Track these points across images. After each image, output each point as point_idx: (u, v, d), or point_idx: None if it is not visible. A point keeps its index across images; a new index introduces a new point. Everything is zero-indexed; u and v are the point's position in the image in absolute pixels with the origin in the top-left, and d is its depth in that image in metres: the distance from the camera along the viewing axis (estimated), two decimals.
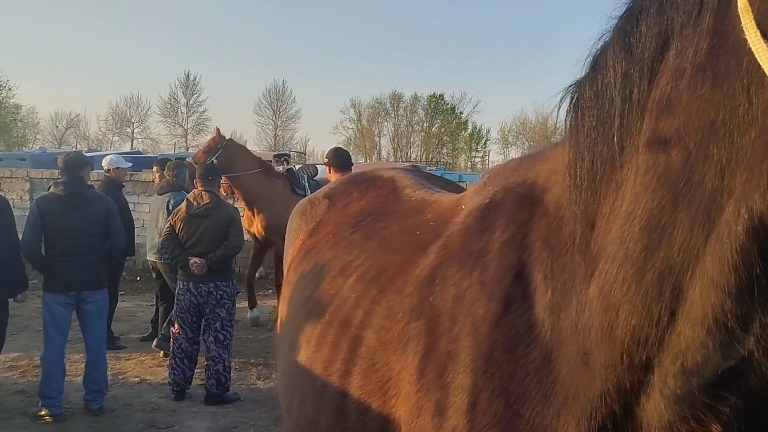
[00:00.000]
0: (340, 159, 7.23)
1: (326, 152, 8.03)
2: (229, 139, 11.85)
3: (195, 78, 71.99)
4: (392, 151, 74.24)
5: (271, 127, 74.04)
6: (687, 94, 1.29)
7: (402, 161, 59.93)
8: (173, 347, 7.69)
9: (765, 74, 1.11)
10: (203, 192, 7.96)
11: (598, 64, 1.54)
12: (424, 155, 71.84)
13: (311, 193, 10.23)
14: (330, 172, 7.21)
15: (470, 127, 75.54)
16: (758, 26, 1.13)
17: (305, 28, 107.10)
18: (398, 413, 1.90)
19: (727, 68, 1.21)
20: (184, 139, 70.26)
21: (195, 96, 71.85)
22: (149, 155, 39.53)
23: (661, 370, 1.35)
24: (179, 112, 71.69)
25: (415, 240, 2.24)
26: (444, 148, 75.21)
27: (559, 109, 1.65)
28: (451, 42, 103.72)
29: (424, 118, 75.38)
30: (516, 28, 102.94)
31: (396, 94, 74.22)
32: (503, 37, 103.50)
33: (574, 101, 1.60)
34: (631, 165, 1.41)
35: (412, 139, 75.69)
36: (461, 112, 75.20)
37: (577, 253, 1.56)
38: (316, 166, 13.59)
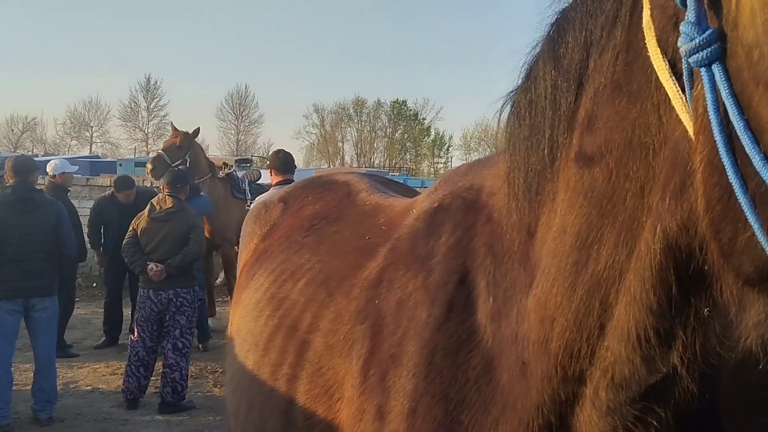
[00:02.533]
0: (281, 161, 7.18)
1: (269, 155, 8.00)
2: (196, 130, 11.78)
3: (156, 82, 71.11)
4: (355, 156, 74.31)
5: (233, 131, 73.48)
6: (606, 110, 1.29)
7: (365, 167, 60.04)
8: (129, 354, 7.54)
9: (668, 94, 1.11)
10: (167, 197, 7.84)
11: (531, 72, 1.54)
12: (387, 161, 72.11)
13: (251, 196, 10.31)
14: (272, 175, 7.16)
15: (433, 133, 76.07)
16: (659, 44, 1.13)
17: (268, 33, 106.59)
18: (342, 417, 1.89)
19: (639, 85, 1.21)
20: (144, 144, 69.22)
21: (156, 100, 70.95)
22: (108, 159, 38.86)
23: (592, 383, 1.36)
24: (140, 116, 70.66)
25: (365, 244, 2.23)
26: (407, 154, 75.56)
27: (500, 115, 1.66)
28: (414, 49, 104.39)
29: (387, 124, 75.65)
30: (477, 35, 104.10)
31: (359, 100, 74.42)
32: (465, 43, 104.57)
33: (511, 109, 1.61)
34: (563, 178, 1.41)
35: (375, 144, 75.88)
36: (424, 119, 75.71)
37: (517, 262, 1.57)
38: (260, 170, 13.63)
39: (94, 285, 13.79)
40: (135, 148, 67.80)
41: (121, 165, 30.40)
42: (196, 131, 11.40)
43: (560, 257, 1.38)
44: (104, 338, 9.90)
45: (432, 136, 76.08)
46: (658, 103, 1.17)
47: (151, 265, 7.44)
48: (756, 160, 0.94)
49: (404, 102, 74.38)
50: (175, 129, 11.63)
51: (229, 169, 13.00)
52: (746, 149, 0.95)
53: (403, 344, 1.74)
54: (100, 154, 53.97)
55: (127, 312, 10.15)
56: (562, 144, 1.42)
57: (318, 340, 2.08)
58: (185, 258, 7.55)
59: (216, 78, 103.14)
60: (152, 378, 7.69)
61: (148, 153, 59.43)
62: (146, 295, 7.53)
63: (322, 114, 75.16)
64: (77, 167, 11.71)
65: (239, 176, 12.51)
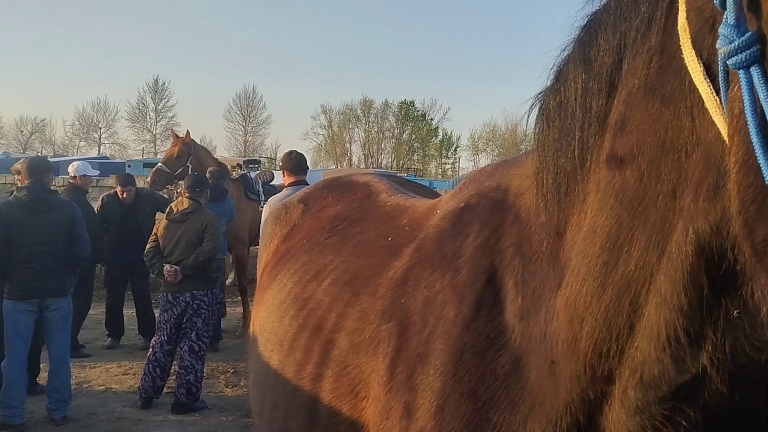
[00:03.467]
0: (294, 162, 7.20)
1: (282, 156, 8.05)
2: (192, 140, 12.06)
3: (164, 83, 71.34)
4: (363, 157, 74.29)
5: (241, 132, 73.58)
6: (639, 112, 1.31)
7: (373, 167, 60.03)
8: (149, 354, 7.60)
9: (702, 96, 1.12)
10: (185, 199, 7.92)
11: (561, 75, 1.56)
12: (395, 162, 72.05)
13: (265, 198, 10.42)
14: (285, 176, 7.18)
15: (441, 134, 75.98)
16: (694, 46, 1.14)
17: (276, 33, 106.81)
18: (368, 416, 1.90)
19: (673, 88, 1.22)
20: (152, 145, 69.48)
21: (164, 101, 71.19)
22: (117, 161, 39.01)
23: (621, 382, 1.37)
24: (148, 117, 70.93)
25: (390, 244, 2.24)
26: (415, 155, 75.48)
27: (528, 116, 1.67)
28: (422, 48, 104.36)
29: (394, 125, 75.60)
30: (486, 35, 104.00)
31: (367, 101, 74.39)
32: (474, 44, 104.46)
33: (540, 111, 1.62)
34: (593, 179, 1.43)
35: (383, 145, 75.84)
36: (432, 119, 75.62)
37: (546, 262, 1.58)
38: (273, 171, 13.72)
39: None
40: (143, 149, 68.12)
41: (129, 166, 30.54)
42: (187, 135, 11.64)
43: (590, 258, 1.39)
44: (109, 339, 9.97)
45: (440, 137, 76.03)
46: (692, 106, 1.18)
47: (167, 267, 7.50)
48: None
49: (412, 103, 74.34)
50: (175, 136, 11.89)
51: (242, 170, 13.08)
52: None
53: (431, 342, 1.76)
54: (108, 156, 54.18)
55: (129, 313, 10.21)
56: (593, 146, 1.43)
57: (343, 339, 2.10)
58: (198, 258, 7.58)
59: (224, 79, 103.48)
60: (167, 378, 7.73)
61: (156, 154, 59.72)
62: (166, 298, 7.61)
63: (330, 115, 75.25)
64: (98, 171, 11.79)
65: (252, 177, 12.59)
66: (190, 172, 10.37)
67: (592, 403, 1.43)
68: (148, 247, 7.87)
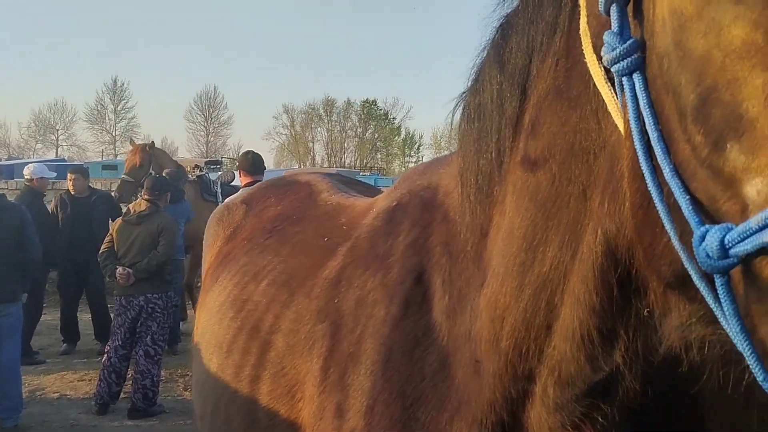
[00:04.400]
0: (250, 163, 7.16)
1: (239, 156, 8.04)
2: (151, 143, 12.11)
3: (123, 84, 70.17)
4: (326, 156, 74.10)
5: (202, 133, 72.79)
6: (548, 115, 1.32)
7: (336, 167, 59.95)
8: (104, 360, 7.48)
9: (604, 100, 1.14)
10: (143, 200, 7.81)
11: (479, 76, 1.57)
12: (358, 161, 72.03)
13: (222, 198, 10.40)
14: (242, 177, 7.14)
15: (403, 133, 76.15)
16: (594, 50, 1.16)
17: (237, 34, 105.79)
18: (304, 417, 1.91)
19: (579, 91, 1.24)
20: (112, 146, 68.25)
21: (123, 102, 70.02)
22: (75, 163, 38.18)
23: (541, 381, 1.39)
24: (107, 118, 69.70)
25: (326, 243, 2.25)
26: (378, 154, 75.55)
27: (453, 116, 1.69)
28: (384, 48, 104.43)
29: (357, 124, 75.59)
30: (444, 34, 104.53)
31: (329, 100, 74.23)
32: (435, 42, 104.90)
33: (462, 111, 1.63)
34: (510, 181, 1.44)
35: (345, 144, 75.76)
36: (394, 118, 75.77)
37: (471, 261, 1.60)
38: (233, 172, 13.71)
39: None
40: (102, 151, 66.87)
41: (87, 168, 29.89)
42: (152, 144, 11.83)
43: (508, 258, 1.41)
44: (64, 345, 9.79)
45: (402, 136, 76.20)
46: (597, 109, 1.19)
47: (119, 269, 7.37)
48: (666, 170, 0.97)
49: (374, 102, 74.41)
50: (132, 143, 12.02)
51: (201, 171, 13.00)
52: (659, 158, 0.99)
53: (362, 342, 1.76)
54: (66, 158, 53.06)
55: (86, 318, 10.03)
56: (509, 148, 1.45)
57: (280, 340, 2.10)
58: (152, 261, 7.47)
59: (185, 79, 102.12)
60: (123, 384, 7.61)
61: (116, 156, 58.67)
62: (119, 302, 7.48)
63: (292, 114, 74.93)
64: (55, 173, 11.57)
65: (212, 179, 12.55)
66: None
67: (515, 401, 1.45)
68: (102, 248, 7.74)
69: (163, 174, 10.14)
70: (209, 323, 2.57)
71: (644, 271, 1.13)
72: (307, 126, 75.54)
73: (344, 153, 75.28)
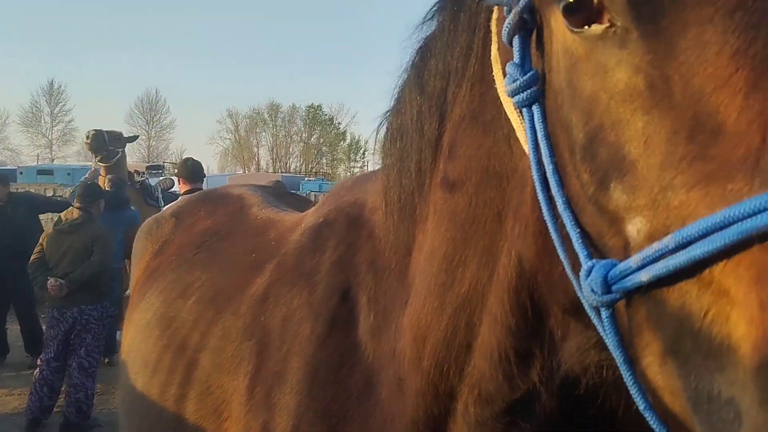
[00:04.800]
0: (189, 170, 7.05)
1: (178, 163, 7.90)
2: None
3: (60, 86, 68.08)
4: (271, 161, 73.47)
5: (144, 137, 71.10)
6: (465, 138, 1.35)
7: (281, 172, 59.53)
8: (36, 374, 7.21)
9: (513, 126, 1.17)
10: (75, 208, 7.54)
11: (401, 96, 1.59)
12: (304, 166, 71.66)
13: (164, 204, 10.20)
14: (181, 184, 7.02)
15: (349, 138, 76.13)
16: (504, 77, 1.17)
17: (179, 36, 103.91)
18: None
19: (492, 116, 1.27)
20: (48, 150, 66.08)
21: (60, 105, 67.90)
22: (8, 167, 36.78)
23: (462, 399, 1.42)
24: (42, 121, 67.42)
25: (254, 259, 2.23)
26: (323, 159, 75.31)
27: (377, 134, 1.70)
28: (330, 53, 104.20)
29: (302, 129, 75.26)
30: (392, 40, 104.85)
31: (274, 105, 73.72)
32: (379, 47, 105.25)
33: (385, 130, 1.65)
34: (432, 201, 1.47)
35: (291, 149, 75.30)
36: (340, 123, 75.70)
37: (396, 279, 1.61)
38: (172, 178, 13.48)
39: None
40: (38, 155, 64.59)
41: (21, 173, 28.83)
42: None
43: (430, 278, 1.43)
44: None
45: (348, 141, 76.17)
46: (508, 134, 1.22)
47: (51, 280, 7.12)
48: (560, 202, 1.01)
49: (319, 107, 74.23)
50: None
51: (141, 176, 12.73)
52: (553, 190, 1.02)
53: (288, 361, 1.76)
54: None
55: (15, 330, 9.65)
56: (429, 169, 1.47)
57: (206, 358, 2.07)
58: (85, 272, 7.24)
59: (125, 82, 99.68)
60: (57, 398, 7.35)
61: (52, 160, 56.83)
62: (51, 313, 7.23)
63: (236, 119, 74.11)
64: None
65: (152, 184, 12.30)
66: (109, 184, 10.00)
67: (437, 419, 1.47)
68: (32, 258, 7.45)
69: (107, 180, 9.87)
70: (135, 341, 2.52)
71: (546, 296, 1.16)
72: (251, 131, 74.81)
73: (289, 158, 74.82)
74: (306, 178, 41.56)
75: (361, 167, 75.30)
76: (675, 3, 0.86)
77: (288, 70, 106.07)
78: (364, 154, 76.43)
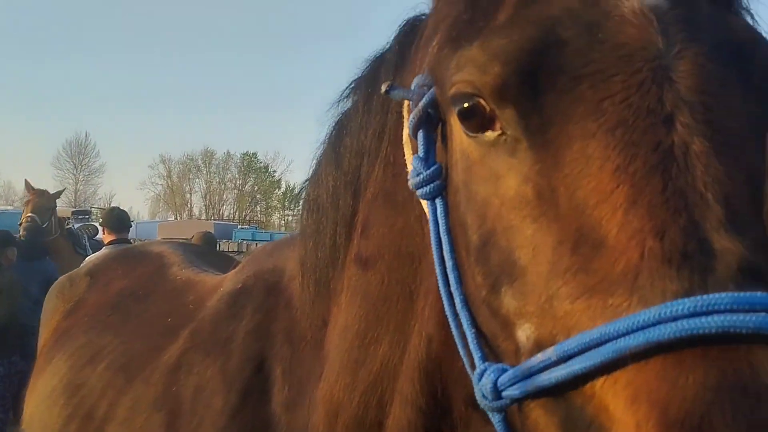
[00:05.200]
0: (115, 220, 6.86)
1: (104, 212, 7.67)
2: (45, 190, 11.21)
3: None
4: (204, 208, 72.32)
5: (71, 181, 68.92)
6: (378, 217, 1.37)
7: (214, 219, 58.70)
8: None
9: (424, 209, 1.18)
10: None
11: (318, 168, 1.60)
12: (237, 213, 70.80)
13: (92, 252, 9.85)
14: (105, 234, 6.81)
15: (284, 186, 75.83)
16: None
17: (112, 79, 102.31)
18: None
19: (404, 197, 1.29)
20: None
21: None
22: None
23: None
24: None
25: (170, 324, 2.15)
26: (257, 207, 74.63)
27: (298, 204, 1.69)
28: (266, 101, 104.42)
29: (237, 176, 74.59)
30: (328, 90, 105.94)
31: (208, 151, 72.92)
32: (316, 97, 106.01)
33: (303, 200, 1.65)
34: (346, 276, 1.47)
35: (224, 196, 74.36)
36: (275, 171, 75.42)
37: (312, 351, 1.59)
38: (96, 225, 13.07)
39: None
40: None
41: None
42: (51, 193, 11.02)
43: (343, 354, 1.42)
44: None
45: (283, 189, 75.86)
46: (420, 216, 1.23)
47: None
48: (457, 300, 1.02)
49: (254, 154, 73.87)
50: (31, 187, 11.02)
51: (67, 223, 12.28)
52: (452, 287, 1.03)
53: None
54: None
55: None
56: (343, 245, 1.48)
57: (114, 429, 1.97)
58: None
59: (52, 125, 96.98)
60: None
61: None
62: None
63: (169, 165, 72.85)
64: None
65: (77, 231, 11.86)
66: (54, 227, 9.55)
67: None
68: None
69: (22, 228, 9.45)
70: (38, 409, 2.37)
71: (451, 383, 1.16)
72: (184, 177, 73.65)
73: (223, 205, 73.86)
74: (239, 226, 40.96)
75: (295, 215, 74.95)
76: (562, 116, 0.90)
77: (224, 116, 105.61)
78: (299, 202, 76.17)
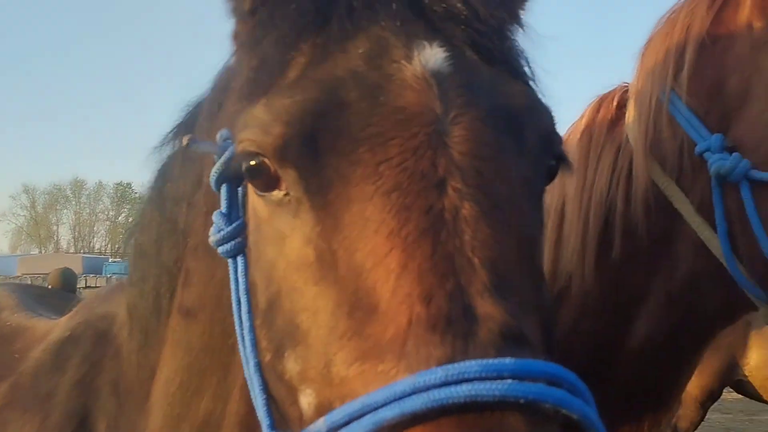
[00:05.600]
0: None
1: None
2: None
3: None
4: (73, 240, 68.43)
5: None
6: (199, 267, 1.33)
7: (83, 252, 55.76)
8: None
9: None
10: None
11: (144, 213, 1.55)
12: (110, 245, 67.55)
13: None
14: None
15: None
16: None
17: None
18: None
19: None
20: None
21: None
22: None
23: None
24: None
25: None
26: None
27: (125, 248, 1.61)
28: (143, 131, 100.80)
29: (110, 207, 71.33)
30: None
31: (78, 181, 69.38)
32: None
33: (130, 246, 1.58)
34: (170, 327, 1.41)
35: (96, 228, 70.80)
36: None
37: (138, 404, 1.51)
38: None
39: None
40: None
41: None
42: None
43: (165, 407, 1.37)
44: None
45: None
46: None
47: None
48: (251, 365, 1.02)
49: (129, 185, 71.04)
50: None
51: None
52: (246, 350, 1.03)
53: None
54: None
55: None
56: (166, 294, 1.42)
57: None
58: None
59: None
60: None
61: None
62: None
63: (33, 195, 68.51)
64: None
65: None
66: None
67: None
68: None
69: None
70: None
71: None
72: (51, 207, 69.49)
73: (93, 237, 70.24)
74: (110, 260, 39.06)
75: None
76: (342, 179, 0.90)
77: (95, 146, 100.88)
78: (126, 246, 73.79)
